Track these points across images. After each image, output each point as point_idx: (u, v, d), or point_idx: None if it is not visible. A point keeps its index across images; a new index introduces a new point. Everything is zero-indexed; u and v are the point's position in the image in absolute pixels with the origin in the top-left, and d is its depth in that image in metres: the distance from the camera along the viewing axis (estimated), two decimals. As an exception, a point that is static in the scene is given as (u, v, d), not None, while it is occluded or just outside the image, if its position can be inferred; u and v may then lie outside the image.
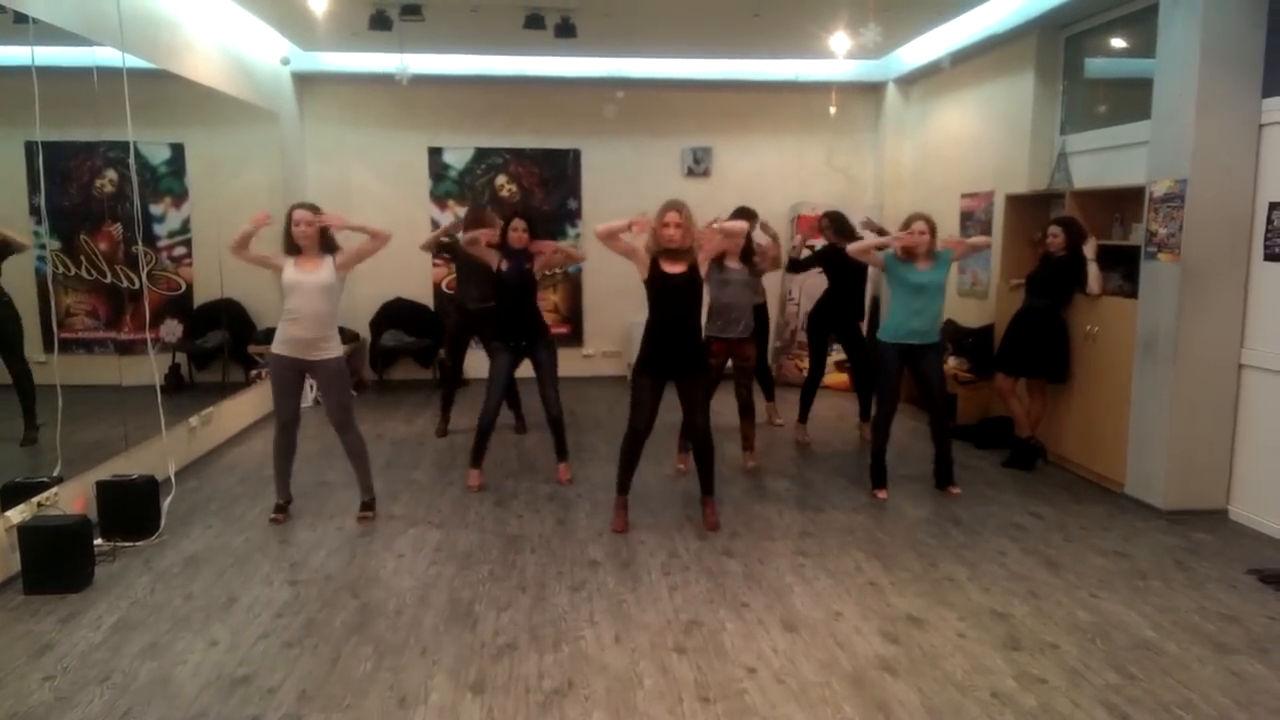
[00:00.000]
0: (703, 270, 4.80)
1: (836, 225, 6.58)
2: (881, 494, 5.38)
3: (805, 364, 8.74)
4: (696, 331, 4.81)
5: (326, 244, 4.82)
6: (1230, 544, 4.66)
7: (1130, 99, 6.04)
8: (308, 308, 4.71)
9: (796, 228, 9.01)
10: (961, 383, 7.03)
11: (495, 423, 5.55)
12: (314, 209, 4.80)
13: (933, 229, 5.24)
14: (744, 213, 6.34)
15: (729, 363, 5.93)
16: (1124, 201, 5.84)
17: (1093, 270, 5.57)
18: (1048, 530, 4.85)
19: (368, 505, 5.08)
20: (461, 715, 3.05)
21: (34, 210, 4.63)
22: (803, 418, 6.78)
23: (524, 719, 3.02)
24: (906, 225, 5.27)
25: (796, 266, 6.88)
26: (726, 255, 5.69)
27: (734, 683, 3.26)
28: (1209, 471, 5.10)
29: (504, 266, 5.47)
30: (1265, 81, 4.81)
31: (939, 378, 5.45)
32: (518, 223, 5.49)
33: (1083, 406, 5.81)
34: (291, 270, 4.73)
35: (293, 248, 4.77)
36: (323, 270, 4.75)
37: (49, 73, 4.52)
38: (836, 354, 8.30)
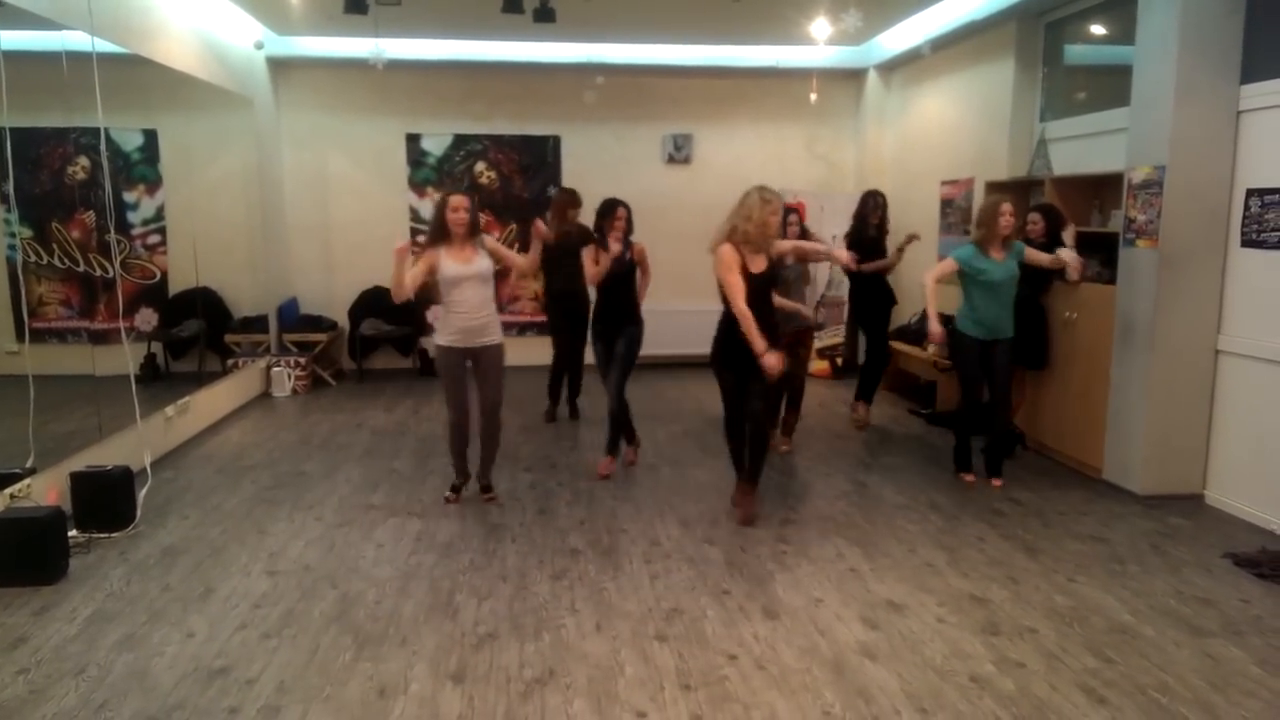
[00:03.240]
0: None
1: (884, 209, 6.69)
2: (969, 477, 5.42)
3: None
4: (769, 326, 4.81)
5: (474, 230, 4.81)
6: (1206, 528, 4.71)
7: (1110, 86, 6.06)
8: (474, 298, 4.75)
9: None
10: (941, 369, 7.05)
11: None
12: (469, 195, 4.81)
13: (1013, 214, 5.19)
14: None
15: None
16: (1103, 188, 5.86)
17: (1072, 257, 5.58)
18: (1026, 516, 4.88)
19: (486, 488, 5.13)
20: (442, 705, 3.03)
21: (3, 198, 4.55)
22: (865, 396, 6.81)
23: (505, 708, 3.01)
24: (991, 211, 5.17)
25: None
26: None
27: (715, 670, 3.26)
28: (1185, 457, 5.14)
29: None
30: (1244, 68, 4.83)
31: (1007, 372, 5.35)
32: (621, 211, 5.50)
33: (1061, 393, 5.84)
34: (450, 263, 4.71)
35: (441, 235, 4.74)
36: (479, 258, 4.76)
37: (16, 57, 4.43)
38: (819, 340, 8.30)
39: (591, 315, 5.72)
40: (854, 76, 9.33)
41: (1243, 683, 3.18)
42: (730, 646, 3.43)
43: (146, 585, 3.96)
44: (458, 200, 4.72)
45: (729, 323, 4.62)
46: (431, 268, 4.73)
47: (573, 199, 6.69)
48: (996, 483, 5.39)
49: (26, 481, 4.39)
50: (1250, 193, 4.80)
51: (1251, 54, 4.80)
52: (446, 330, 4.83)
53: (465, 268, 4.72)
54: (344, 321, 9.03)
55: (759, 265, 4.59)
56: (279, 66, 8.64)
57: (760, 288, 4.59)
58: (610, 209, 5.51)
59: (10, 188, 4.55)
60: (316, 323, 8.71)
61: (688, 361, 6.97)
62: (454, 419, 4.97)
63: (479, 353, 4.87)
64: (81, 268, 5.18)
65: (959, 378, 5.50)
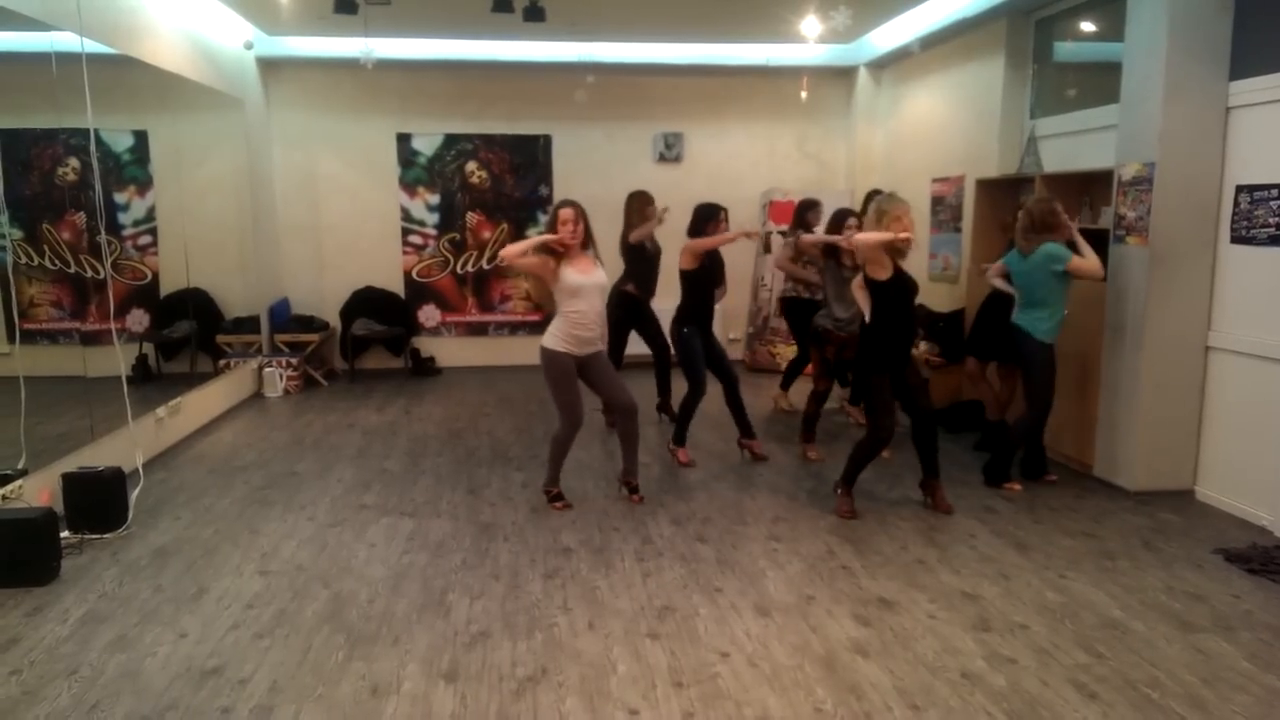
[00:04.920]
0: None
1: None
2: (1017, 486, 5.28)
3: (777, 350, 8.81)
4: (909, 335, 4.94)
5: (588, 240, 4.84)
6: (1196, 524, 4.73)
7: (1099, 83, 6.07)
8: (595, 308, 4.80)
9: (768, 214, 9.02)
10: (933, 367, 7.07)
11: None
12: (577, 205, 4.77)
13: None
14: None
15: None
16: (1093, 185, 5.87)
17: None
18: (1017, 512, 4.89)
19: (635, 488, 5.11)
20: (434, 704, 3.03)
21: (-7, 199, 4.54)
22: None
23: (497, 707, 3.02)
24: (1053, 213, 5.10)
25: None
26: (843, 252, 5.80)
27: (707, 667, 3.26)
28: (1176, 453, 5.16)
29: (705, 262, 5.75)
30: (1232, 65, 4.85)
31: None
32: (723, 214, 5.76)
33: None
34: (571, 273, 4.71)
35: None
36: (597, 270, 4.83)
37: (5, 58, 4.43)
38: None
39: (681, 316, 5.77)
40: (844, 74, 9.34)
41: (1233, 678, 3.20)
42: (722, 644, 3.43)
43: (139, 586, 3.96)
44: (566, 213, 4.68)
45: (890, 328, 4.70)
46: (553, 274, 4.71)
47: (649, 198, 6.56)
48: (1052, 477, 5.42)
49: (18, 483, 4.38)
50: (1240, 189, 4.82)
51: (1240, 50, 4.82)
52: (562, 337, 4.79)
53: (586, 278, 4.74)
54: (335, 322, 9.02)
55: (901, 267, 4.66)
56: (269, 66, 8.62)
57: (910, 288, 4.72)
58: (713, 213, 5.72)
59: (0, 189, 4.53)
60: (308, 323, 8.69)
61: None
62: (572, 425, 4.90)
63: (588, 359, 4.86)
64: (72, 269, 5.17)
65: (1046, 389, 5.20)
